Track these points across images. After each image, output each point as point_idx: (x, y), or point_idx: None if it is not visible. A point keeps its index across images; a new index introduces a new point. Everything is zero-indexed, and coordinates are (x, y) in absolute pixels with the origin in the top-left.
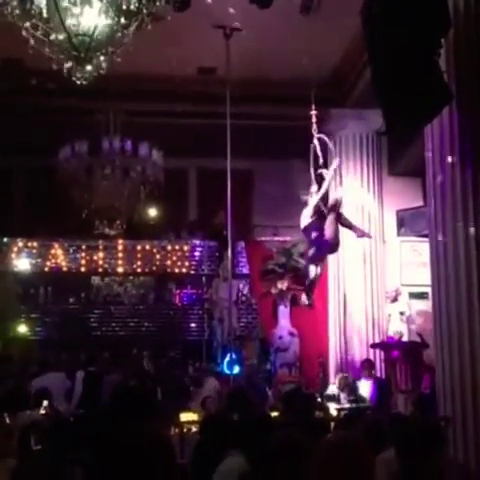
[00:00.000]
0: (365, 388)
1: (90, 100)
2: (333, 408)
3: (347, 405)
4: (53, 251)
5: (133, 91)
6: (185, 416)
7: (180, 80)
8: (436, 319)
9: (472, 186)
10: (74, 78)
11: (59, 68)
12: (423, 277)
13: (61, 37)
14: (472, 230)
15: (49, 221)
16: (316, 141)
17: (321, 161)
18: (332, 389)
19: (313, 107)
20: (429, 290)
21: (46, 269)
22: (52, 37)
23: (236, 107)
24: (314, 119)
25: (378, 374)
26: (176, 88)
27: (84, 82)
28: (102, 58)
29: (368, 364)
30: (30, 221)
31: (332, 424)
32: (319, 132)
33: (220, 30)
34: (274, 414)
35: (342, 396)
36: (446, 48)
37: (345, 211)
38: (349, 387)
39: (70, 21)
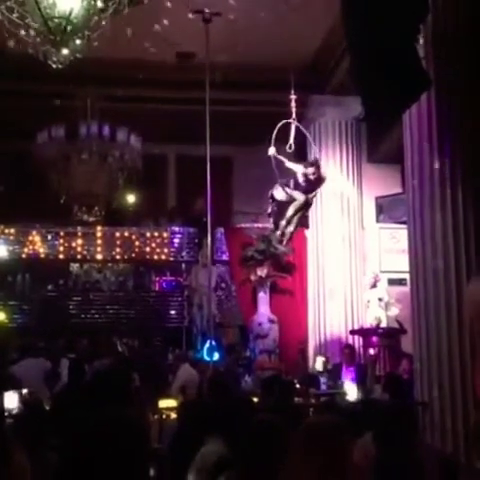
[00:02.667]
0: (344, 373)
1: (67, 85)
2: (312, 394)
3: (326, 390)
4: (31, 238)
5: (111, 76)
6: (164, 403)
7: (158, 65)
8: (414, 305)
9: (450, 173)
10: (50, 62)
11: (35, 52)
12: (402, 264)
13: (37, 20)
14: (449, 217)
15: (26, 207)
16: (294, 124)
17: (289, 144)
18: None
19: (292, 92)
20: (408, 276)
21: (24, 256)
22: (28, 20)
23: (215, 93)
24: (293, 104)
25: (357, 360)
26: (154, 73)
27: (60, 66)
28: (78, 42)
29: (349, 350)
30: (7, 207)
31: (311, 410)
32: (298, 119)
33: (199, 15)
34: (254, 400)
35: (322, 380)
36: (424, 34)
37: (325, 199)
38: (329, 372)
39: (46, 4)
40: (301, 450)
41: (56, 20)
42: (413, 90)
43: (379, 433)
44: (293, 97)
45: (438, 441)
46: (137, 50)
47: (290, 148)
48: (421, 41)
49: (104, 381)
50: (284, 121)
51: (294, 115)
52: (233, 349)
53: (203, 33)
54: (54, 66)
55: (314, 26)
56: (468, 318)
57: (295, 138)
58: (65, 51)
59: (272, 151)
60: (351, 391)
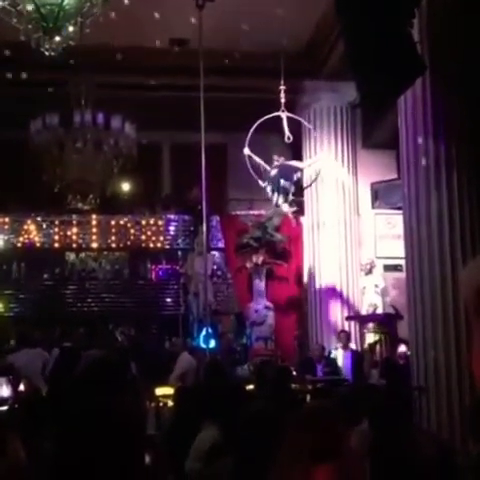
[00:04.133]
0: (340, 359)
1: (60, 72)
2: (309, 380)
3: (323, 377)
4: (26, 227)
5: (104, 63)
6: (161, 390)
7: (151, 52)
8: (410, 291)
9: (445, 158)
10: (42, 49)
11: (27, 39)
12: (397, 250)
13: (29, 7)
14: (445, 202)
15: (21, 196)
16: (283, 115)
17: (287, 135)
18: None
19: (282, 82)
20: (403, 262)
21: (19, 245)
22: (20, 7)
23: (209, 79)
24: (282, 94)
25: (353, 346)
26: (148, 60)
27: (53, 53)
28: (71, 29)
29: (344, 335)
30: (1, 196)
31: (308, 396)
32: (292, 105)
33: (192, 0)
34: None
35: (318, 367)
36: (419, 19)
37: (321, 185)
38: (326, 358)
39: None
40: (295, 435)
41: (48, 7)
42: (408, 75)
43: (375, 418)
44: (282, 88)
45: (434, 425)
46: (130, 37)
47: (289, 139)
48: (416, 25)
49: (101, 370)
50: (273, 114)
51: (283, 106)
52: (224, 336)
53: (196, 19)
54: (47, 53)
55: (307, 11)
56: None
57: (288, 125)
58: (58, 38)
59: (246, 151)
60: (347, 377)
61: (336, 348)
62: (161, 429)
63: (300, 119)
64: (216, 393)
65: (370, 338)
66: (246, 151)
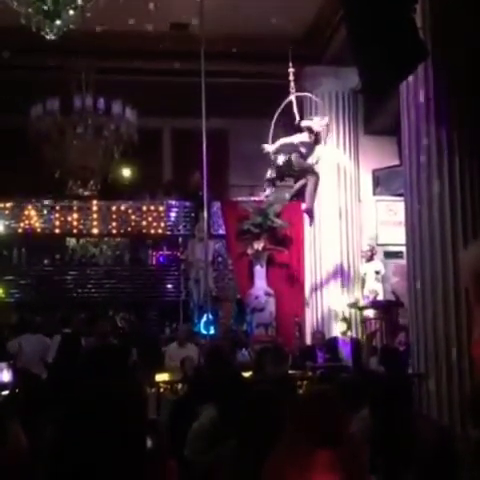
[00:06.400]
0: (342, 347)
1: (61, 57)
2: (309, 366)
3: (323, 363)
4: (26, 212)
5: (104, 48)
6: (161, 376)
7: (152, 36)
8: (410, 278)
9: (447, 145)
10: (43, 33)
11: (28, 23)
12: (398, 236)
13: None
14: (447, 188)
15: (22, 182)
16: (293, 98)
17: (297, 119)
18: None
19: (290, 65)
20: (404, 249)
21: (20, 230)
22: None
23: (210, 65)
24: (291, 77)
25: (354, 333)
26: (149, 45)
27: (53, 38)
28: (72, 13)
29: (345, 323)
30: (2, 182)
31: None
32: (295, 90)
33: None
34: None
35: (319, 355)
36: (422, 4)
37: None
38: (327, 346)
39: None
40: (299, 417)
41: None
42: (410, 60)
43: (375, 405)
44: (291, 70)
45: (434, 412)
46: (131, 21)
47: (300, 121)
48: (418, 11)
49: (103, 356)
50: (287, 100)
51: (293, 89)
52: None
53: (198, 3)
54: (47, 38)
55: None
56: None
57: (291, 109)
58: (58, 22)
59: (268, 148)
60: (347, 364)
61: (337, 337)
62: (161, 414)
63: (310, 95)
64: (216, 380)
65: (370, 325)
66: (268, 147)
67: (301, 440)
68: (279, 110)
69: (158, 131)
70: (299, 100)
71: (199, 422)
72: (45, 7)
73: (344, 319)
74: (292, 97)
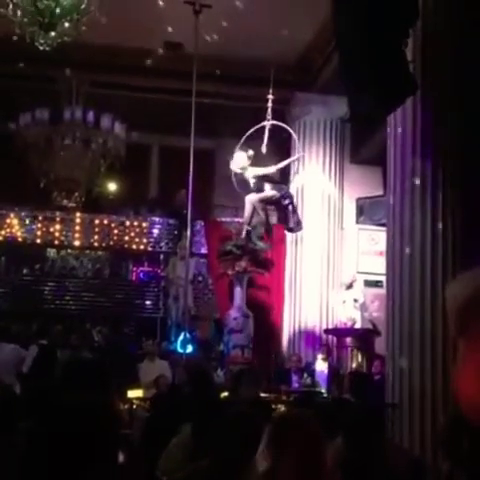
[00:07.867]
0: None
1: (52, 68)
2: (284, 391)
3: (298, 388)
4: (8, 220)
5: (97, 62)
6: (133, 393)
7: (146, 54)
8: (389, 308)
9: (431, 177)
10: (37, 44)
11: (22, 33)
12: (379, 266)
13: (25, 1)
14: (429, 221)
15: (5, 190)
16: (267, 125)
17: (264, 146)
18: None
19: (270, 91)
20: (384, 279)
21: (1, 239)
22: (16, 0)
23: (201, 85)
24: (270, 103)
25: (331, 359)
26: (142, 62)
27: (47, 48)
28: (67, 25)
29: (325, 349)
30: None
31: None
32: (284, 116)
33: (189, 6)
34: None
35: (294, 378)
36: (413, 38)
37: (307, 197)
38: (303, 370)
39: None
40: (273, 439)
41: (45, 1)
42: (399, 93)
43: (348, 433)
44: (270, 97)
45: (406, 442)
46: (126, 37)
47: (265, 149)
48: (409, 45)
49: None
50: (260, 124)
51: (269, 115)
52: (207, 344)
53: (192, 24)
54: (41, 48)
55: (304, 24)
56: (449, 318)
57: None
58: (53, 33)
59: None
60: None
61: (314, 361)
62: (134, 430)
63: (286, 127)
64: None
65: (347, 353)
66: (233, 167)
67: (277, 460)
68: (248, 134)
69: (147, 147)
70: (287, 125)
71: (177, 439)
72: (41, 18)
73: (325, 346)
74: (266, 124)
